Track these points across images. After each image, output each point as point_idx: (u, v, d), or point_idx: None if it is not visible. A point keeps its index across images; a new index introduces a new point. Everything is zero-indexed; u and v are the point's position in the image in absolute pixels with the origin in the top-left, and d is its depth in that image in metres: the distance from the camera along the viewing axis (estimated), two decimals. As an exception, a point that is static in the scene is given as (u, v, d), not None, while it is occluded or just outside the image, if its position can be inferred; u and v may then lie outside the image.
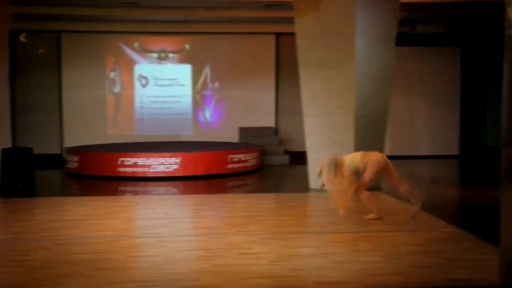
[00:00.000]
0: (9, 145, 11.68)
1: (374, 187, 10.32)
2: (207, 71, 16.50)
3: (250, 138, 15.43)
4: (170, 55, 16.36)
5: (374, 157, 7.16)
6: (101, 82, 16.20)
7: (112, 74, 16.24)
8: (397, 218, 7.50)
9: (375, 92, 10.18)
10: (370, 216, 7.29)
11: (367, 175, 7.11)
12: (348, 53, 9.74)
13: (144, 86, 16.32)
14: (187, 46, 16.39)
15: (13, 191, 9.94)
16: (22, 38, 15.92)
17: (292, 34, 10.80)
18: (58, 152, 15.84)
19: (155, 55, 16.30)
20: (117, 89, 16.30)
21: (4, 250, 6.05)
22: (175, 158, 11.99)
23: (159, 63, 16.33)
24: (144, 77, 16.31)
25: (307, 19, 10.21)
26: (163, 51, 16.31)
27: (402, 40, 13.22)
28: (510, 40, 4.52)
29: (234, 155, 12.63)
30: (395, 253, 5.76)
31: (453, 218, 7.36)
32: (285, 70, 16.50)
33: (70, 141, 15.65)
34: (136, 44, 16.24)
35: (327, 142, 10.17)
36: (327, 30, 9.96)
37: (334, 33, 9.86)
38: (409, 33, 14.04)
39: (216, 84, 16.54)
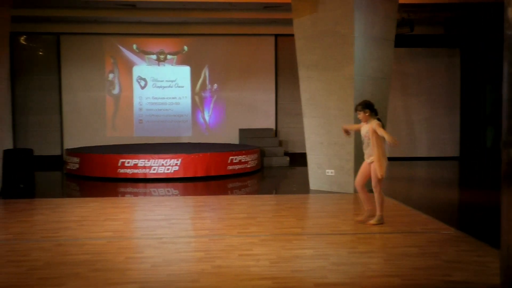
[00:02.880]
0: (10, 146, 11.71)
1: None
2: (206, 72, 16.50)
3: (250, 139, 15.43)
4: (169, 56, 16.36)
5: None
6: (100, 84, 16.20)
7: (111, 76, 16.25)
8: (395, 220, 7.50)
9: (373, 93, 10.18)
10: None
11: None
12: (347, 54, 9.74)
13: (143, 87, 16.32)
14: (185, 47, 16.39)
15: (14, 192, 9.98)
16: (22, 40, 15.92)
17: (291, 35, 10.80)
18: (58, 153, 15.85)
19: (154, 56, 16.31)
20: (116, 91, 16.29)
21: (3, 251, 6.05)
22: (175, 160, 11.99)
23: (158, 64, 16.34)
24: (143, 79, 16.31)
25: (305, 20, 10.21)
26: (162, 52, 16.31)
27: (401, 41, 13.23)
28: (510, 41, 4.52)
29: (234, 157, 12.63)
30: (394, 255, 5.76)
31: (452, 220, 7.36)
32: (284, 71, 16.50)
33: (70, 143, 15.67)
34: (134, 46, 16.24)
35: (327, 143, 10.18)
36: (325, 31, 9.96)
37: (333, 34, 9.86)
38: (407, 34, 14.04)
39: (215, 86, 16.54)
